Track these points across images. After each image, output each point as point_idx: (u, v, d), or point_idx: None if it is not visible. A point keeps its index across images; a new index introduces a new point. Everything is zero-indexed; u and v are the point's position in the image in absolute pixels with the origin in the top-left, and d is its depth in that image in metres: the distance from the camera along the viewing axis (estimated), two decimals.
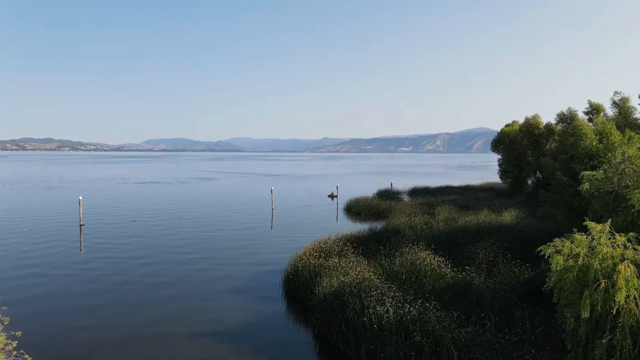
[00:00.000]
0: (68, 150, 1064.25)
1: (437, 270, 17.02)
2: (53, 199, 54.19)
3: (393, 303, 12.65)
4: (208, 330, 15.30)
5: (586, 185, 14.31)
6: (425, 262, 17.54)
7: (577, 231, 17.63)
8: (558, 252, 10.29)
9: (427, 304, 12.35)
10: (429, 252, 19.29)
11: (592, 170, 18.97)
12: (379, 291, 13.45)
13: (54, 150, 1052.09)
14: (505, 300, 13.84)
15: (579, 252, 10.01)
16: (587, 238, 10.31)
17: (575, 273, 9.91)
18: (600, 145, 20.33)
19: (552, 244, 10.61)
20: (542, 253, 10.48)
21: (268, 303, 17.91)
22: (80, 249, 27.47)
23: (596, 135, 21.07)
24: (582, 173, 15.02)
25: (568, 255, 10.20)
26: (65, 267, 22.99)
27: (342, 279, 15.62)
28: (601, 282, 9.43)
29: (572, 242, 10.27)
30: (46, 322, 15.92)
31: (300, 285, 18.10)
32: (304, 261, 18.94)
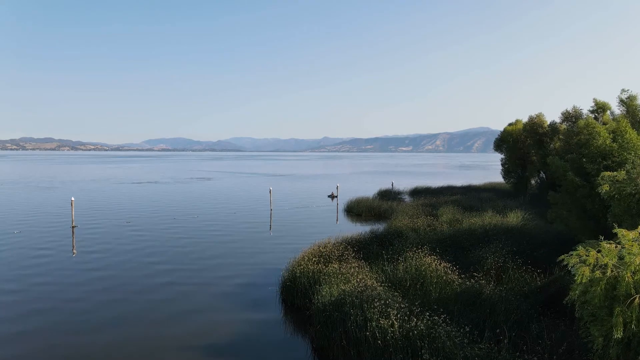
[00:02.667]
0: (68, 150, 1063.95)
1: (444, 277, 15.99)
2: (47, 199, 53.14)
3: (398, 316, 11.60)
4: (200, 340, 14.30)
5: (606, 187, 13.27)
6: (430, 268, 16.52)
7: (594, 236, 16.48)
8: (583, 262, 9.27)
9: (436, 318, 11.28)
10: (434, 256, 18.29)
11: (606, 170, 18.04)
12: (382, 302, 12.40)
13: (54, 149, 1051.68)
14: (520, 312, 12.77)
15: (607, 262, 9.00)
16: (616, 247, 9.28)
17: (602, 286, 8.90)
18: (614, 145, 19.32)
19: (575, 252, 9.58)
20: (565, 263, 9.46)
21: (264, 311, 16.88)
22: (73, 252, 26.45)
23: (609, 133, 20.05)
24: (601, 174, 13.97)
25: (594, 266, 9.19)
26: (54, 274, 21.92)
27: (343, 287, 14.57)
28: (635, 298, 8.42)
29: (599, 252, 9.27)
30: (24, 338, 14.87)
31: (298, 293, 17.06)
32: (302, 267, 17.90)
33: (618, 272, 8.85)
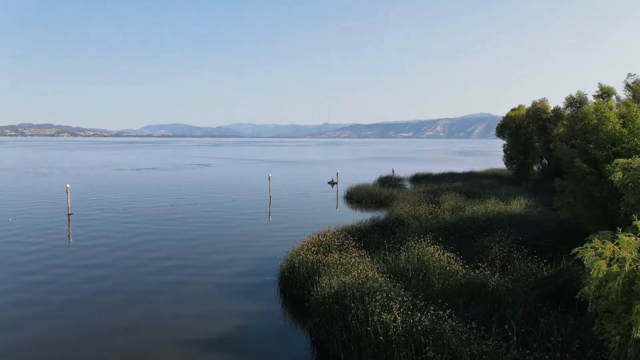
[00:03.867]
0: (67, 136, 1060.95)
1: (447, 268, 15.45)
2: (43, 186, 52.56)
3: (401, 310, 11.05)
4: (195, 332, 13.82)
5: (619, 175, 12.65)
6: (433, 258, 15.98)
7: (600, 224, 15.78)
8: (599, 255, 8.71)
9: (441, 312, 10.72)
10: (437, 246, 17.75)
11: (615, 157, 17.46)
12: (384, 295, 11.84)
13: (53, 136, 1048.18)
14: (528, 305, 12.19)
15: (626, 256, 8.44)
16: (636, 239, 8.70)
17: (620, 281, 8.35)
18: (624, 130, 18.63)
19: (590, 245, 9.01)
20: (580, 256, 8.90)
21: (262, 302, 16.38)
22: (69, 240, 26.03)
23: (619, 118, 19.35)
24: (615, 160, 13.34)
25: (611, 260, 8.63)
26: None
27: (343, 278, 14.02)
28: None
29: (616, 244, 8.70)
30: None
31: (297, 284, 16.55)
32: (301, 256, 17.34)
33: (637, 267, 8.31)
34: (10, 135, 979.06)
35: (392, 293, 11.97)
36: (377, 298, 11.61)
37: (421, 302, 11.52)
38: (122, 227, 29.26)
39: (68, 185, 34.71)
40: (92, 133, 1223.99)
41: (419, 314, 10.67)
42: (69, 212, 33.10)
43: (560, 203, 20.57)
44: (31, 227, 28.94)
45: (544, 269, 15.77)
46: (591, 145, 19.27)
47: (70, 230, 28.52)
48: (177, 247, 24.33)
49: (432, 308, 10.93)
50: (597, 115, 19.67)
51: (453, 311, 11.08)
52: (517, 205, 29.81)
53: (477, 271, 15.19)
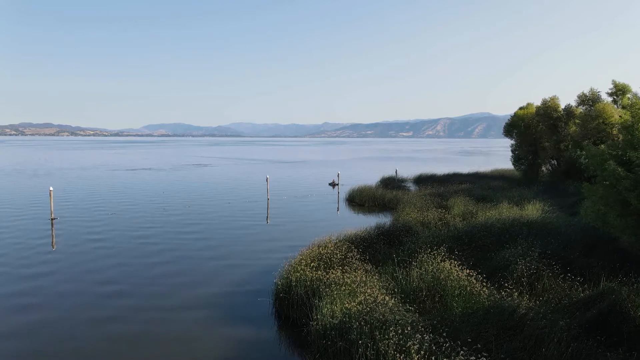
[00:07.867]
0: (67, 135, 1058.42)
1: (468, 288, 13.33)
2: (30, 188, 50.33)
3: (422, 352, 8.88)
4: None
5: None
6: (451, 277, 13.86)
7: (635, 234, 13.59)
8: None
9: (473, 358, 8.54)
10: (453, 259, 15.63)
11: None
12: (399, 330, 9.67)
13: (53, 135, 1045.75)
14: (577, 342, 9.94)
15: None
16: None
17: None
18: None
19: None
20: None
21: (255, 326, 14.14)
22: (52, 246, 24.10)
23: None
24: None
25: None
26: (25, 275, 19.31)
27: (347, 304, 11.84)
28: None
29: None
30: None
31: (294, 305, 14.36)
32: (299, 273, 15.12)
33: None
34: (10, 135, 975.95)
35: (408, 328, 9.77)
36: (391, 335, 9.45)
37: (446, 342, 9.33)
38: (107, 233, 27.08)
39: (51, 188, 32.50)
40: (92, 132, 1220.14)
41: None
42: (52, 216, 30.96)
43: (590, 210, 18.45)
44: (12, 232, 26.85)
45: (580, 289, 13.64)
46: (627, 146, 17.17)
47: (54, 236, 26.44)
48: (163, 257, 22.15)
49: (462, 352, 8.74)
50: (632, 113, 17.53)
51: (487, 355, 8.88)
52: (533, 210, 27.71)
53: (502, 292, 13.09)
